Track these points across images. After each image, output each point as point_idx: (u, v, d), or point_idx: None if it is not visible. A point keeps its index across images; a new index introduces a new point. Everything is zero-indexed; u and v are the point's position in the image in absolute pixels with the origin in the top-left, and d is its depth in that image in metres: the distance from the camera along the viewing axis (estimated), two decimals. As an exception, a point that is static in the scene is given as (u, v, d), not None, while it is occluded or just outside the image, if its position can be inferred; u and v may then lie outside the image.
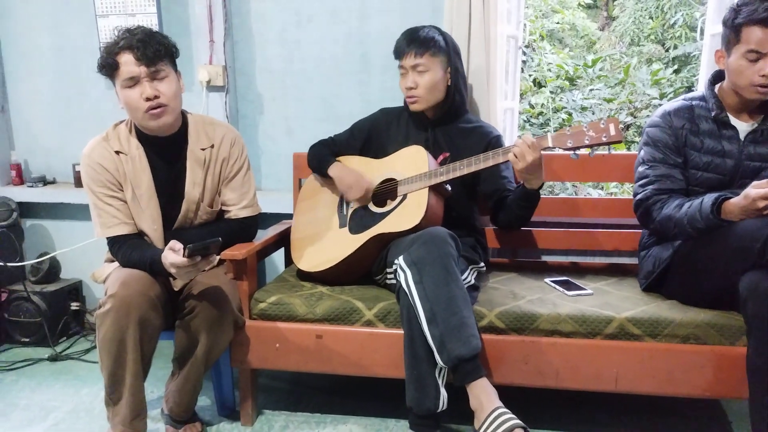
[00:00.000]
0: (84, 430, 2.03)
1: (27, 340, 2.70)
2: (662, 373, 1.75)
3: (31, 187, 2.81)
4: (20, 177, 2.86)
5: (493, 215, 2.09)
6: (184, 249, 1.64)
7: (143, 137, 1.89)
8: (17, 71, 2.82)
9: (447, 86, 2.07)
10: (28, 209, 2.88)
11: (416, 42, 2.02)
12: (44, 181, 2.85)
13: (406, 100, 2.10)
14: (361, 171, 2.12)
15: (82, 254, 2.77)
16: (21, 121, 2.88)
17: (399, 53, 2.07)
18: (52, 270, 2.78)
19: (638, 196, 1.92)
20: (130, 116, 1.85)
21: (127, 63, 1.75)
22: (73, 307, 2.80)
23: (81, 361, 2.57)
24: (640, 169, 1.95)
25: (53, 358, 2.58)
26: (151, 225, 1.89)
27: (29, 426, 2.07)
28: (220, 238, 1.70)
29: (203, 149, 1.94)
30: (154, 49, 1.76)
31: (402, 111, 2.19)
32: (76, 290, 2.84)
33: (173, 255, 1.67)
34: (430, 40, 2.02)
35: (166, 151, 1.91)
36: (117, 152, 1.87)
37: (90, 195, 1.87)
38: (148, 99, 1.76)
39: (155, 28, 2.51)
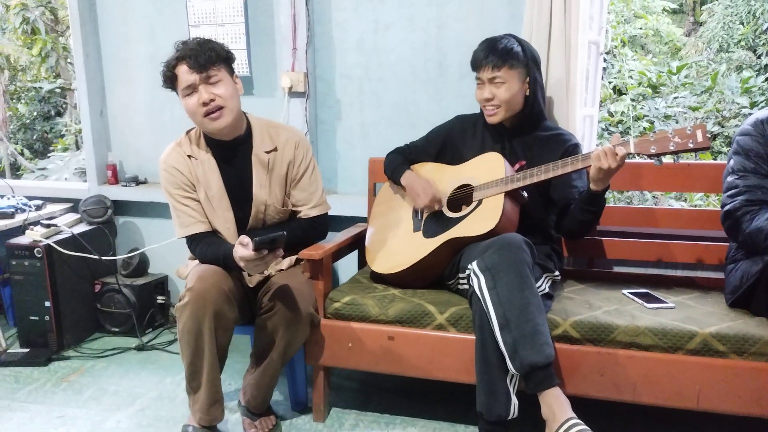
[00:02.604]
0: (167, 416, 2.15)
1: (117, 329, 2.87)
2: (748, 393, 1.67)
3: (125, 186, 2.99)
4: (115, 177, 3.04)
5: (556, 223, 2.06)
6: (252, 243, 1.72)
7: (210, 141, 1.98)
8: (116, 79, 3.01)
9: (525, 97, 2.03)
10: (121, 207, 3.06)
11: (494, 54, 1.97)
12: (136, 181, 3.01)
13: (484, 112, 2.08)
14: (435, 178, 2.14)
15: (169, 251, 2.93)
16: (117, 125, 3.07)
17: (476, 65, 2.03)
18: (142, 265, 2.95)
19: (727, 207, 1.84)
20: (193, 122, 1.95)
21: (183, 73, 1.85)
22: (159, 301, 2.95)
23: (165, 351, 2.71)
24: (730, 179, 1.87)
25: (140, 348, 2.73)
26: (224, 224, 1.98)
27: (118, 410, 2.20)
28: (284, 232, 1.74)
29: (267, 152, 2.01)
30: (206, 57, 1.84)
31: (478, 118, 2.18)
32: (162, 285, 3.00)
33: (242, 249, 1.74)
34: (509, 52, 1.97)
35: (232, 154, 1.99)
36: (189, 156, 1.97)
37: (168, 198, 1.99)
38: (204, 104, 1.85)
39: (243, 37, 2.65)
